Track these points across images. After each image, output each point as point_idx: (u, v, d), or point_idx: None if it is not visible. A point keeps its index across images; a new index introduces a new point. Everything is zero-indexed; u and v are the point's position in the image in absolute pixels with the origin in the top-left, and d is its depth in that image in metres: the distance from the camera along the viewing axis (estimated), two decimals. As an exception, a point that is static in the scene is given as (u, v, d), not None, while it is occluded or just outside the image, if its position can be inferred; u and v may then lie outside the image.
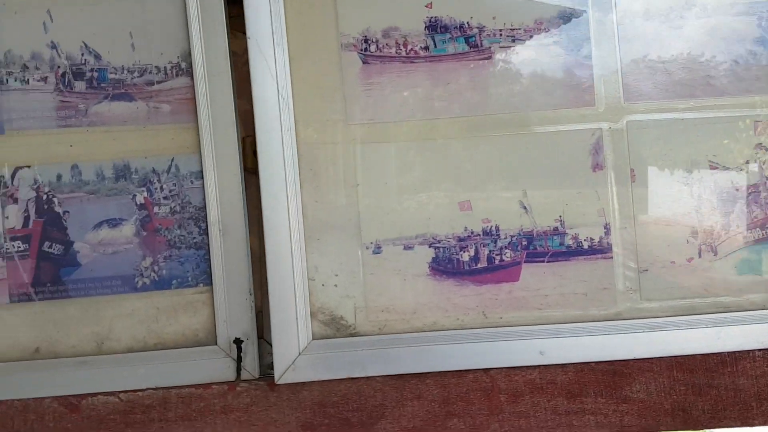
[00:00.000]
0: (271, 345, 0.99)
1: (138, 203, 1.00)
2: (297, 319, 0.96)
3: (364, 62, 0.98)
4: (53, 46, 0.98)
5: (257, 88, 0.95)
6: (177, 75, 0.99)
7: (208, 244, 1.00)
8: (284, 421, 0.97)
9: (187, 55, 0.99)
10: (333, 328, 0.99)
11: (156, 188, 1.00)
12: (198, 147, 0.99)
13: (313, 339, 0.98)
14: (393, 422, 0.96)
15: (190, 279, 1.00)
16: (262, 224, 0.97)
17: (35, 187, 0.99)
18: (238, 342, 0.97)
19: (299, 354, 0.96)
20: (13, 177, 0.98)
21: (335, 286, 0.99)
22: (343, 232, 0.99)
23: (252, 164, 1.01)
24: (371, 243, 0.99)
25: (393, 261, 0.98)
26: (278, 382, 0.96)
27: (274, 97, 0.95)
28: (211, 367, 0.98)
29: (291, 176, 0.97)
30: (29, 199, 0.99)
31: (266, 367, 1.00)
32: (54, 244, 0.99)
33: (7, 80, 0.98)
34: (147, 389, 0.97)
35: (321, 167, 0.99)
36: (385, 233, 0.99)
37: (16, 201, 0.98)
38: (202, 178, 0.99)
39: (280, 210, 0.96)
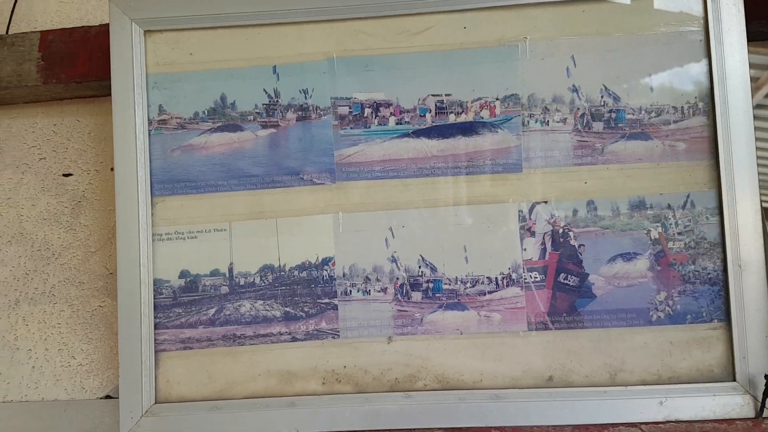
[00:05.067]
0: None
1: (652, 238, 1.02)
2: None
3: None
4: (574, 90, 1.04)
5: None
6: (694, 114, 1.02)
7: (724, 280, 1.00)
8: (823, 465, 0.94)
9: (705, 96, 1.02)
10: None
11: (671, 224, 1.02)
12: (714, 184, 1.01)
13: None
14: None
15: (704, 314, 1.01)
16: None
17: (552, 221, 1.04)
18: (768, 379, 0.97)
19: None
20: (530, 211, 1.04)
21: None
22: None
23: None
24: None
25: None
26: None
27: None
28: (731, 402, 0.98)
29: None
30: (546, 233, 1.04)
31: (782, 407, 0.98)
32: (569, 276, 1.03)
33: (528, 122, 1.05)
34: (668, 422, 0.98)
35: None
36: None
37: (533, 234, 1.04)
38: (719, 214, 1.01)
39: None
